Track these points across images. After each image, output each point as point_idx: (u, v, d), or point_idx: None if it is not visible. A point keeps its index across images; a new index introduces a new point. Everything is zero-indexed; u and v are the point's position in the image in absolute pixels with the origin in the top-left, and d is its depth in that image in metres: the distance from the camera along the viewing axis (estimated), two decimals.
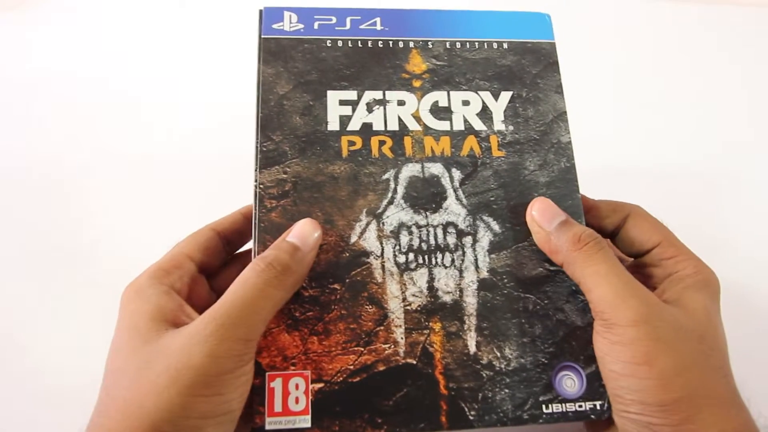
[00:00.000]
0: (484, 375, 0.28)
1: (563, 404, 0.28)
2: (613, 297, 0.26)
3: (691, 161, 0.51)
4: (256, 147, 0.31)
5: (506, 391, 0.28)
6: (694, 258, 0.30)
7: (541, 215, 0.30)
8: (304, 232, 0.28)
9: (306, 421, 0.26)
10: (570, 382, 0.28)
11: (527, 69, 0.34)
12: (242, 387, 0.25)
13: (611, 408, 0.27)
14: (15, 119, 0.49)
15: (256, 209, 0.30)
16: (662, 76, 0.56)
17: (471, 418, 0.27)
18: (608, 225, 0.32)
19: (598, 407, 0.28)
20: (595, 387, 0.28)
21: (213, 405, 0.24)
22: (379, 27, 0.34)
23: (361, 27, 0.34)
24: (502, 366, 0.28)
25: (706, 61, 0.58)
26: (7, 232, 0.44)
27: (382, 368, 0.28)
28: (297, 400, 0.27)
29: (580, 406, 0.28)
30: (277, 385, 0.27)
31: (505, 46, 0.34)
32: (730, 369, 0.27)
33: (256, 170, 0.30)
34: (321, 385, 0.27)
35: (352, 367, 0.27)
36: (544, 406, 0.28)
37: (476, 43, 0.34)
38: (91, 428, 0.24)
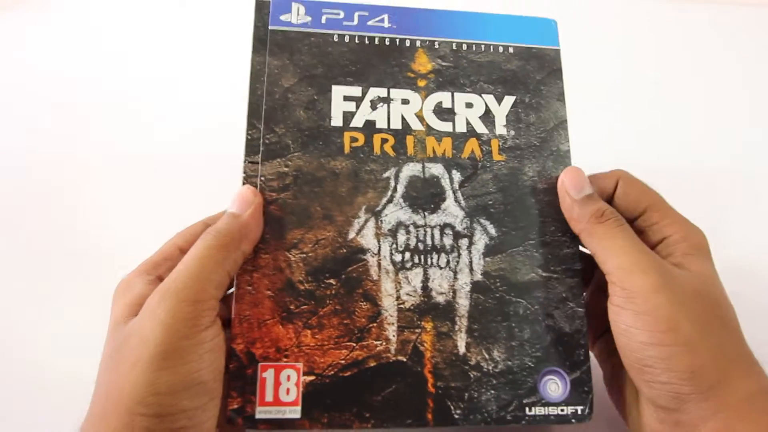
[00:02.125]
0: (472, 375, 0.28)
1: (546, 407, 0.29)
2: (630, 265, 0.27)
3: (698, 163, 0.51)
4: (246, 137, 0.31)
5: (492, 392, 0.28)
6: (681, 220, 0.30)
7: (571, 183, 0.30)
8: (241, 199, 0.29)
9: (296, 412, 0.27)
10: (554, 386, 0.29)
11: (531, 75, 0.34)
12: (208, 356, 0.25)
13: (592, 413, 0.28)
14: (13, 119, 0.49)
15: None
16: (667, 79, 0.57)
17: (456, 416, 0.28)
18: (601, 192, 0.31)
19: (579, 412, 0.29)
20: (578, 392, 0.29)
21: (179, 376, 0.24)
22: (386, 24, 0.34)
23: (369, 23, 0.34)
24: (490, 368, 0.29)
25: (710, 63, 0.59)
26: (5, 231, 0.44)
27: (372, 364, 0.28)
28: (288, 391, 0.27)
29: (562, 410, 0.29)
30: (269, 375, 0.27)
31: (511, 50, 0.34)
32: (742, 332, 0.27)
33: (245, 161, 0.31)
34: (312, 377, 0.28)
35: (343, 361, 0.28)
36: (527, 408, 0.28)
37: (482, 46, 0.34)
38: (85, 418, 0.25)
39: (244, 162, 0.31)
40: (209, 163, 0.46)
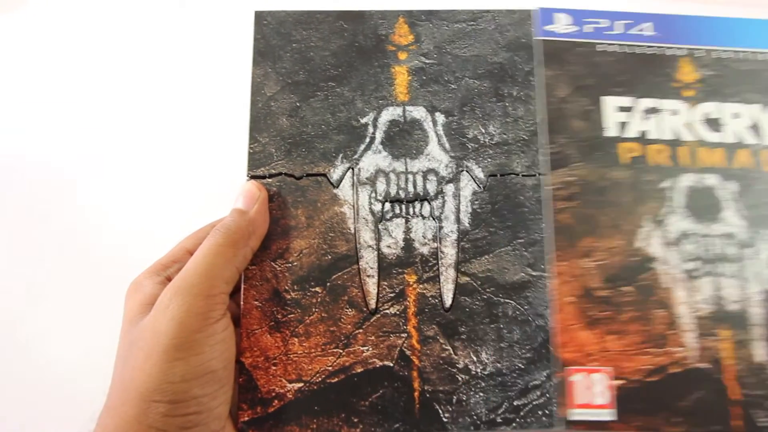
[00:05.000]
0: None
1: None
2: None
3: None
4: (249, 151, 0.32)
5: None
6: None
7: None
8: (247, 195, 0.30)
9: (611, 414, 0.28)
10: None
11: None
12: (220, 346, 0.26)
13: None
14: (11, 118, 0.48)
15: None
16: None
17: (759, 424, 0.29)
18: None
19: None
20: None
21: (192, 366, 0.25)
22: (649, 33, 0.34)
23: (630, 32, 0.34)
24: None
25: None
26: (8, 230, 0.44)
27: (676, 370, 0.29)
28: (600, 395, 0.28)
29: None
30: (578, 379, 0.29)
31: None
32: None
33: (248, 176, 0.31)
34: (622, 381, 0.29)
35: (649, 367, 0.29)
36: None
37: (744, 53, 0.34)
38: (102, 409, 0.26)
39: (247, 177, 0.31)
40: (218, 168, 0.43)
